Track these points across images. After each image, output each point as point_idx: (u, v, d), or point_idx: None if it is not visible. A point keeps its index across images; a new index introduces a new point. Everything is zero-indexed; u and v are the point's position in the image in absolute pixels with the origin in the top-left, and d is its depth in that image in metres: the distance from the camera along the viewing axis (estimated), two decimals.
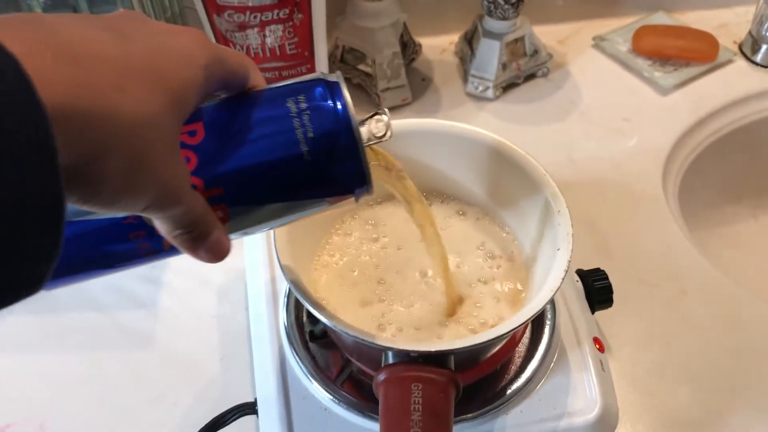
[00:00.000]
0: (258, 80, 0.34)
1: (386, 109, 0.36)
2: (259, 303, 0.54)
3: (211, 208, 0.31)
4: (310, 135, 0.32)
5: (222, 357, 0.59)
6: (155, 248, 0.34)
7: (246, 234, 0.34)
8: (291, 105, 0.32)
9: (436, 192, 0.54)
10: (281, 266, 0.42)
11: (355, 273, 0.49)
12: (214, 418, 0.51)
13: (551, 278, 0.42)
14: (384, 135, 0.36)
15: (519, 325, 0.39)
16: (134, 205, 0.26)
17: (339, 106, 0.32)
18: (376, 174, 0.36)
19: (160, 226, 0.29)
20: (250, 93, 0.34)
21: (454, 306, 0.47)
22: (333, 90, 0.33)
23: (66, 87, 0.22)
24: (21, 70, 0.20)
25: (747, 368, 0.58)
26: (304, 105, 0.32)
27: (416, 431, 0.36)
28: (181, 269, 0.66)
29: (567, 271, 0.42)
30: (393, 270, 0.49)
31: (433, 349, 0.39)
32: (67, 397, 0.57)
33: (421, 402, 0.37)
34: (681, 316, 0.62)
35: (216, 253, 0.31)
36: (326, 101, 0.32)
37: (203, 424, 0.51)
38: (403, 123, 0.51)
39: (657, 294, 0.63)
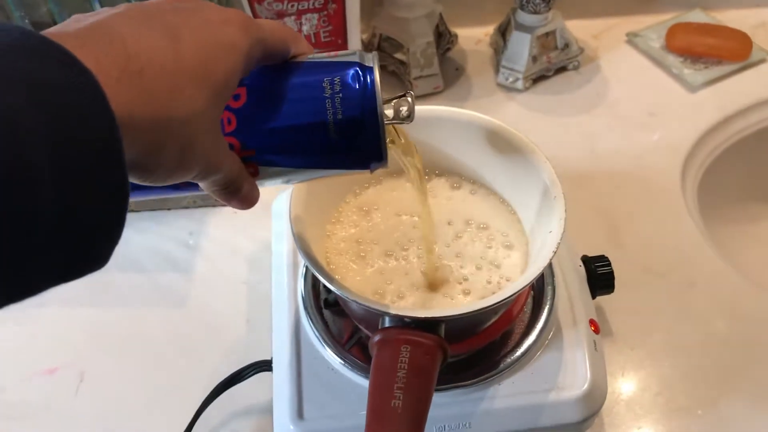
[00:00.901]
0: (301, 48, 0.38)
1: (412, 92, 0.40)
2: (281, 271, 0.58)
3: (244, 165, 0.36)
4: (339, 117, 0.36)
5: (248, 320, 0.64)
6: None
7: (271, 184, 0.39)
8: (326, 85, 0.36)
9: (451, 172, 0.57)
10: (291, 223, 0.47)
11: (365, 244, 0.53)
12: (233, 372, 0.56)
13: (538, 260, 0.45)
14: (407, 117, 0.40)
15: (496, 303, 0.42)
16: (183, 179, 0.32)
17: (368, 94, 0.36)
18: (391, 149, 0.41)
19: (202, 185, 0.35)
20: (292, 63, 0.37)
21: (435, 283, 0.51)
22: (365, 75, 0.36)
23: (130, 98, 0.27)
24: (97, 86, 0.25)
25: (746, 362, 0.60)
26: (338, 87, 0.36)
27: (399, 386, 0.40)
28: (217, 238, 0.71)
29: (555, 253, 0.45)
30: (400, 245, 0.53)
31: (422, 316, 0.43)
32: (107, 348, 0.63)
33: (407, 362, 0.41)
34: (686, 307, 0.64)
35: (246, 202, 0.37)
36: (358, 87, 0.36)
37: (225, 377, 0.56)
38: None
39: (664, 284, 0.66)
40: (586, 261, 0.59)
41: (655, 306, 0.64)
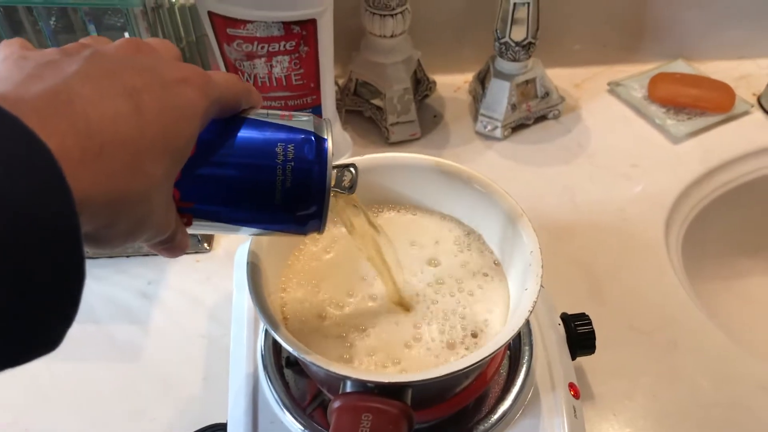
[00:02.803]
0: (252, 101, 0.37)
1: (356, 165, 0.41)
2: (240, 325, 0.55)
3: (180, 215, 0.35)
4: (288, 185, 0.35)
5: (205, 377, 0.60)
6: None
7: (199, 232, 0.38)
8: (279, 151, 0.35)
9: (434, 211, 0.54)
10: (247, 273, 0.44)
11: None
12: None
13: (514, 318, 0.42)
14: (349, 188, 0.41)
15: (466, 367, 0.39)
16: (132, 244, 0.32)
17: (321, 168, 0.36)
18: (335, 209, 0.41)
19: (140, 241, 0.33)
20: (245, 119, 0.36)
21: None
22: (320, 148, 0.36)
23: (89, 180, 0.25)
24: (57, 169, 0.23)
25: (731, 428, 0.57)
26: (291, 155, 0.35)
27: None
28: (177, 288, 0.67)
29: (531, 312, 0.42)
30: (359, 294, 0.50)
31: (386, 381, 0.39)
32: (53, 404, 0.59)
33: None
34: (670, 368, 0.61)
35: (177, 251, 0.36)
36: (311, 158, 0.35)
37: None
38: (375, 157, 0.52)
39: (647, 343, 0.62)
40: (566, 319, 0.56)
41: (638, 367, 0.61)
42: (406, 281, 0.49)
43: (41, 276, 0.23)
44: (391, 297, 0.47)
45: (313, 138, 0.36)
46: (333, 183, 0.39)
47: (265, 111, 0.37)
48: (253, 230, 0.38)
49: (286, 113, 0.37)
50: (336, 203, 0.42)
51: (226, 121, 0.35)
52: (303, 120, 0.37)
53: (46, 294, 0.23)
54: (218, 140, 0.35)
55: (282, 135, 0.36)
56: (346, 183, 0.41)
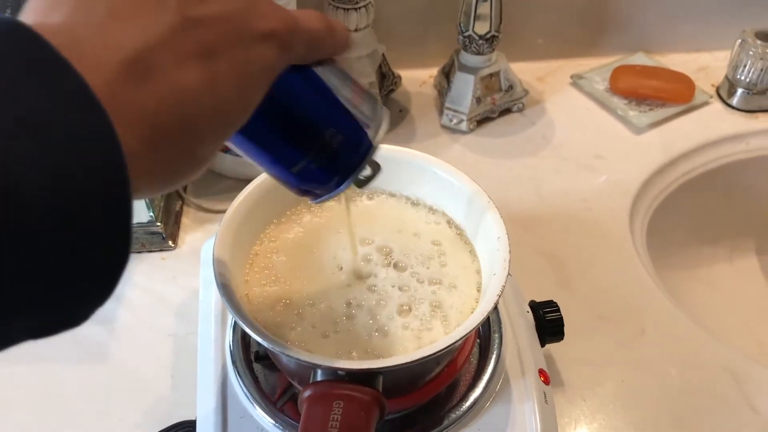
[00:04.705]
0: (336, 48, 0.34)
1: (380, 167, 0.40)
2: (208, 321, 0.54)
3: None
4: (310, 168, 0.34)
5: (173, 375, 0.59)
6: None
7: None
8: (327, 134, 0.34)
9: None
10: (213, 265, 0.44)
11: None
12: None
13: (482, 304, 0.42)
14: (360, 183, 0.39)
15: (437, 352, 0.39)
16: None
17: (346, 174, 0.35)
18: None
19: None
20: (315, 79, 0.33)
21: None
22: (365, 150, 0.35)
23: (143, 169, 0.24)
24: (120, 152, 0.22)
25: (699, 412, 0.58)
26: (334, 143, 0.34)
27: None
28: (143, 287, 0.66)
29: (500, 296, 0.42)
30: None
31: (357, 367, 0.39)
32: (16, 406, 0.57)
33: (339, 419, 0.37)
34: (637, 354, 0.61)
35: None
36: (351, 156, 0.35)
37: None
38: None
39: (615, 331, 0.63)
40: (534, 307, 0.56)
41: (606, 354, 0.61)
42: (373, 267, 0.49)
43: (87, 258, 0.22)
44: (357, 272, 0.48)
45: (362, 140, 0.35)
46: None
47: (340, 73, 0.35)
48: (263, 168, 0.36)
49: (357, 91, 0.35)
50: None
51: (295, 68, 0.32)
52: (368, 111, 0.35)
53: (90, 274, 0.22)
54: (276, 88, 0.31)
55: (338, 121, 0.34)
56: (360, 176, 0.38)
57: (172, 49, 0.25)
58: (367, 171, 0.38)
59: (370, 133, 0.35)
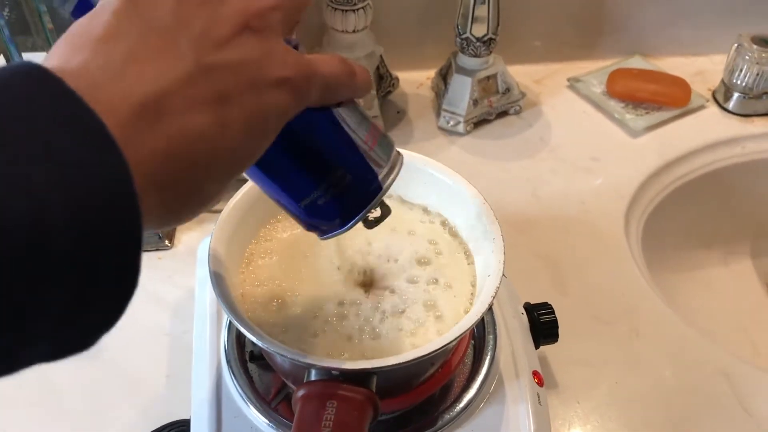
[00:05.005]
0: (355, 91, 0.34)
1: (390, 210, 0.41)
2: (203, 321, 0.54)
3: None
4: (318, 203, 0.35)
5: (168, 374, 0.59)
6: None
7: None
8: (337, 173, 0.34)
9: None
10: (209, 264, 0.44)
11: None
12: None
13: (477, 305, 0.42)
14: (369, 223, 0.40)
15: (431, 353, 0.39)
16: None
17: (354, 213, 0.36)
18: None
19: None
20: (330, 120, 0.34)
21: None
22: (373, 192, 0.35)
23: (150, 202, 0.25)
24: (130, 183, 0.23)
25: (693, 413, 0.58)
26: (343, 183, 0.35)
27: None
28: (138, 286, 0.66)
29: (494, 297, 0.42)
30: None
31: (350, 367, 0.39)
32: (11, 403, 0.57)
33: (333, 419, 0.37)
34: (632, 356, 0.61)
35: None
36: (354, 201, 0.35)
37: None
38: None
39: (610, 333, 0.63)
40: (529, 309, 0.56)
41: (601, 356, 0.61)
42: (368, 267, 0.49)
43: (100, 284, 0.23)
44: (355, 279, 0.48)
45: (371, 185, 0.35)
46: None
47: (357, 114, 0.35)
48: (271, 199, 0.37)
49: (373, 133, 0.36)
50: None
51: (313, 108, 0.33)
52: (381, 155, 0.36)
53: (102, 301, 0.24)
54: (288, 125, 0.32)
55: (348, 162, 0.35)
56: (369, 217, 0.39)
57: (185, 94, 0.26)
58: (376, 213, 0.39)
59: (381, 175, 0.35)
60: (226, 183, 0.29)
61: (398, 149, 0.38)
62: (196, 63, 0.27)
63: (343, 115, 0.34)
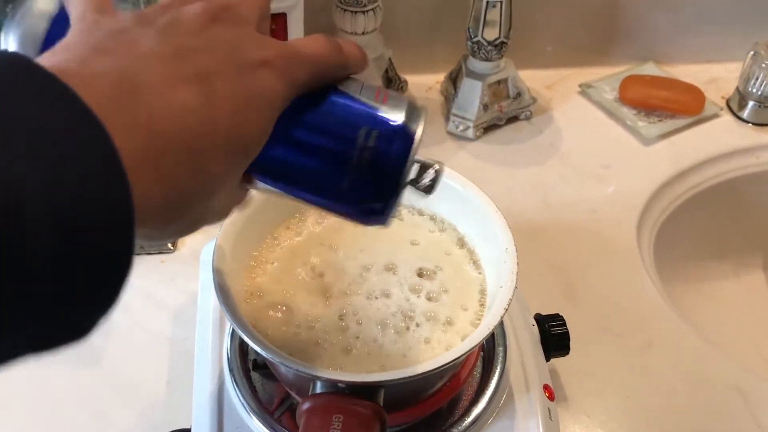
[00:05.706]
0: (350, 67, 0.33)
1: (442, 165, 0.36)
2: (205, 327, 0.53)
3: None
4: (358, 177, 0.32)
5: (169, 380, 0.58)
6: None
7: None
8: (361, 135, 0.31)
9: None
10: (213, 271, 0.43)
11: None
12: None
13: (488, 317, 0.41)
14: (427, 189, 0.36)
15: (440, 367, 0.38)
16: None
17: (398, 164, 0.32)
18: None
19: None
20: (334, 93, 0.33)
21: None
22: (405, 142, 0.32)
23: (147, 179, 0.24)
24: (122, 174, 0.23)
25: (705, 428, 0.56)
26: (370, 144, 0.31)
27: None
28: (140, 289, 0.65)
29: (506, 310, 0.41)
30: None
31: (358, 380, 0.38)
32: (10, 409, 0.56)
33: None
34: (643, 368, 0.60)
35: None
36: (390, 153, 0.32)
37: None
38: None
39: (621, 344, 0.62)
40: (540, 320, 0.55)
41: (611, 368, 0.60)
42: (375, 277, 0.47)
43: (88, 265, 0.22)
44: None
45: (400, 130, 0.32)
46: (410, 179, 0.34)
47: (359, 83, 0.33)
48: (311, 204, 0.35)
49: (382, 92, 0.33)
50: None
51: (312, 92, 0.32)
52: (397, 104, 0.33)
53: (89, 285, 0.23)
54: (294, 116, 0.31)
55: (367, 119, 0.32)
56: (425, 182, 0.36)
57: (162, 72, 0.26)
58: (430, 175, 0.36)
59: (409, 126, 0.32)
60: (232, 165, 0.28)
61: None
62: (170, 47, 0.27)
63: (346, 90, 0.33)
